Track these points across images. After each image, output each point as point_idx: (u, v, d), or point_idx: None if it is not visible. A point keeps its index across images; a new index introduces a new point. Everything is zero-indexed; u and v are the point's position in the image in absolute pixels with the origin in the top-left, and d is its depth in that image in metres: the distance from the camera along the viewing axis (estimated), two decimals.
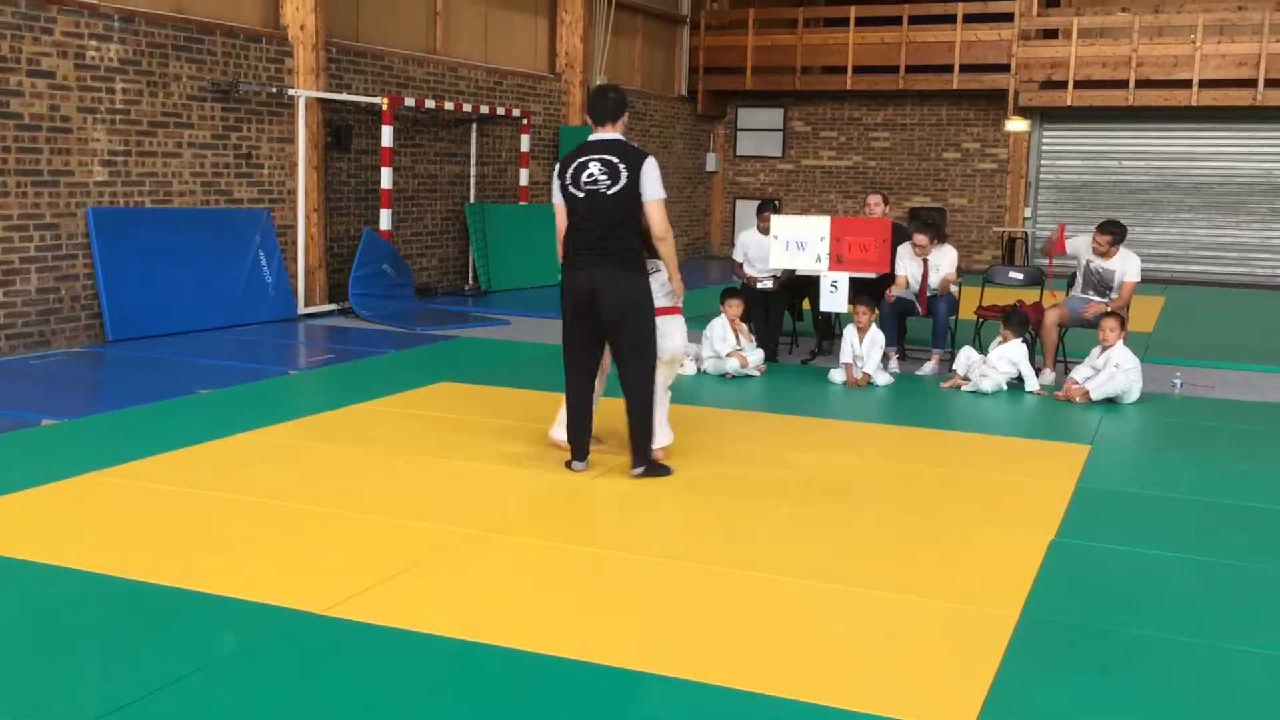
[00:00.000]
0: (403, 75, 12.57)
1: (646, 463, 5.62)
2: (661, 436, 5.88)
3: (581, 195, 5.49)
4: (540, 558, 4.53)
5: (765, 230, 9.35)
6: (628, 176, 5.45)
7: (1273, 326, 12.56)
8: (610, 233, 5.46)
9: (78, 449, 5.94)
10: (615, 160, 5.48)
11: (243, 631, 3.74)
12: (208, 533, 4.71)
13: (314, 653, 3.62)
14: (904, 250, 9.08)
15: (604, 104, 5.63)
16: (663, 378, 5.85)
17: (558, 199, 5.63)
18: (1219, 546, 4.85)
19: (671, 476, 5.65)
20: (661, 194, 5.52)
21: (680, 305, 5.94)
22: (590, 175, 5.48)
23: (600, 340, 5.64)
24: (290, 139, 11.00)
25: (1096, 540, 4.88)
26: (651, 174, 5.49)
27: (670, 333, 5.84)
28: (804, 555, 4.60)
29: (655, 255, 5.73)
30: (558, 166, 5.65)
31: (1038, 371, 8.54)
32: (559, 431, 6.06)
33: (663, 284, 5.84)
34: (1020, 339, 8.19)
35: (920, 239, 8.94)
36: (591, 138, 5.66)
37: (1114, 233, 8.53)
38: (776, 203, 11.29)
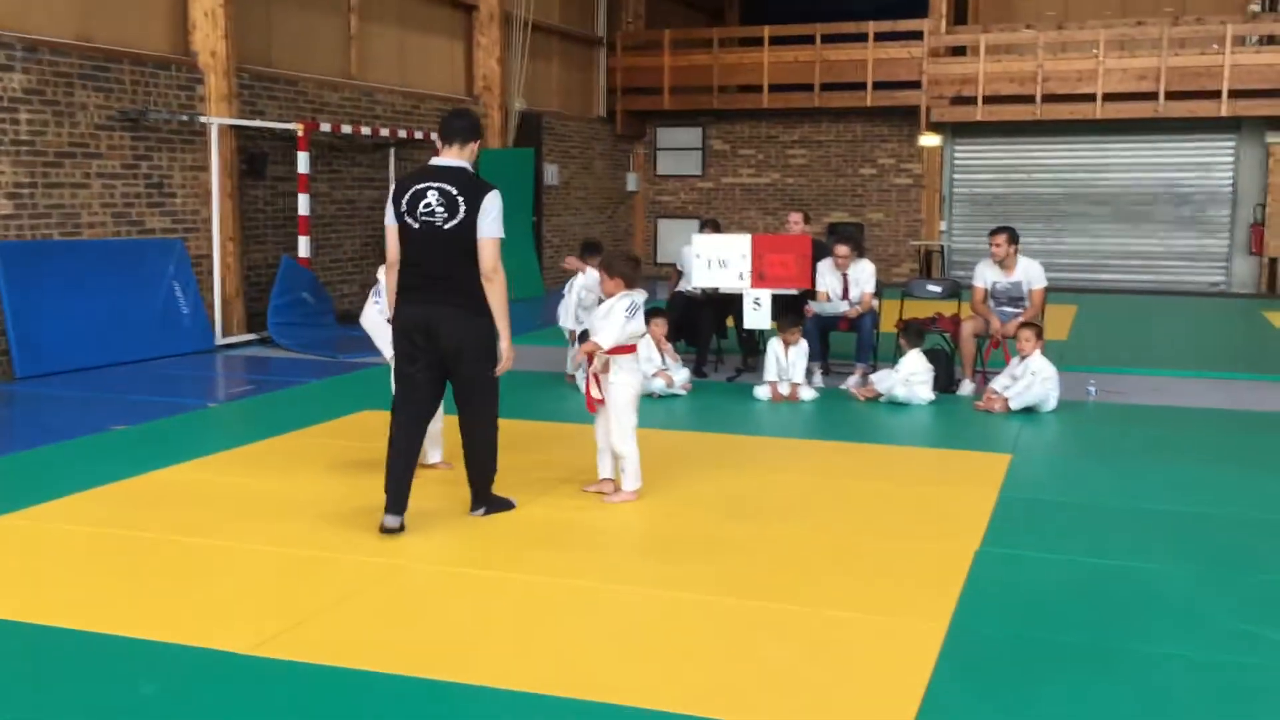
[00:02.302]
0: (318, 100, 12.43)
1: (486, 501, 5.34)
2: (630, 480, 5.63)
3: (416, 226, 5.05)
4: (473, 587, 4.47)
5: None
6: (466, 210, 5.01)
7: (1177, 332, 12.93)
8: (448, 271, 5.04)
9: None
10: (454, 192, 5.03)
11: (163, 675, 3.63)
12: (124, 574, 4.58)
13: (238, 694, 3.53)
14: (824, 265, 9.21)
15: (457, 122, 5.20)
16: (630, 421, 5.61)
17: (390, 222, 5.17)
18: (1139, 551, 4.95)
19: (602, 499, 5.62)
20: (498, 233, 5.06)
21: (506, 362, 5.24)
22: (427, 205, 5.03)
23: (439, 380, 5.20)
24: (203, 167, 10.80)
25: (1021, 549, 4.96)
26: (492, 209, 5.04)
27: (628, 370, 5.63)
28: (733, 575, 4.61)
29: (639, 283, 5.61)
30: (394, 187, 5.20)
31: (958, 382, 8.72)
32: (435, 456, 6.10)
33: (622, 312, 5.57)
34: (916, 348, 8.33)
35: (841, 250, 9.09)
36: (434, 161, 5.21)
37: (1007, 231, 8.73)
38: (718, 222, 11.43)
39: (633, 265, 5.75)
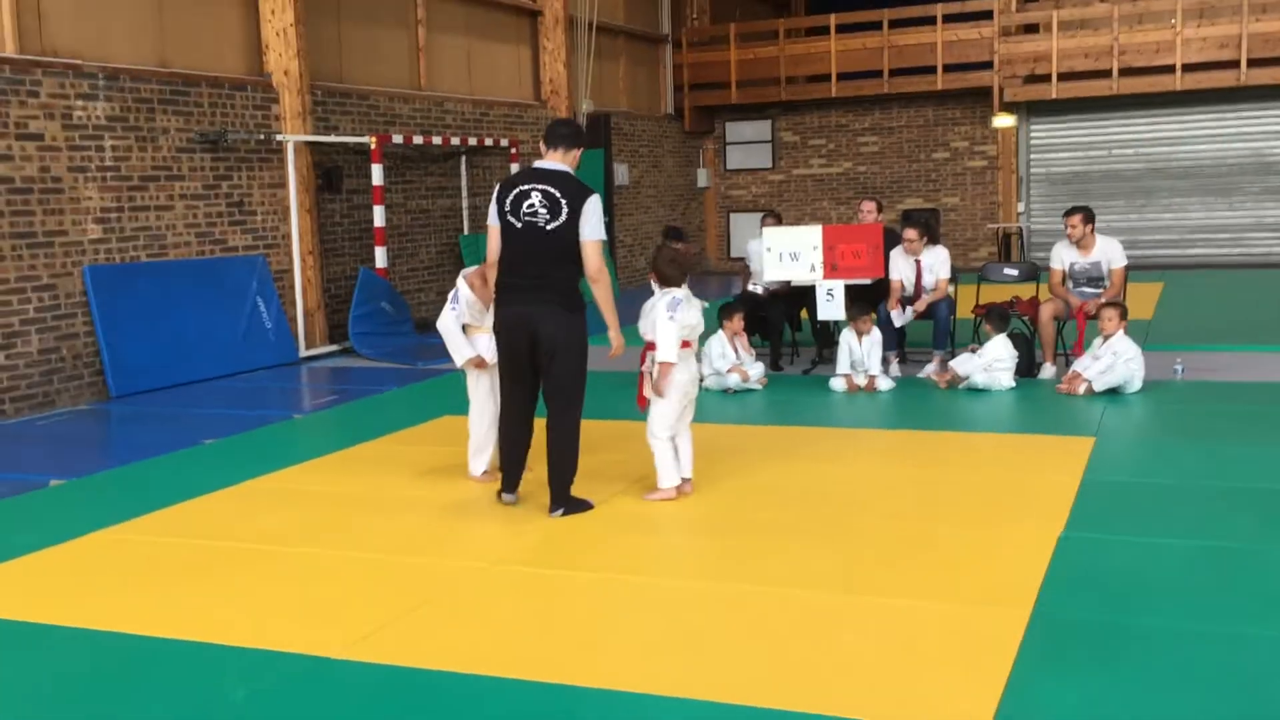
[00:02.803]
0: (389, 113, 12.64)
1: (565, 503, 5.37)
2: (663, 479, 5.55)
3: (519, 226, 5.25)
4: (551, 587, 4.53)
5: None
6: (569, 213, 5.20)
7: (1270, 305, 12.55)
8: (547, 270, 5.23)
9: (86, 507, 5.96)
10: (557, 194, 5.22)
11: (256, 679, 3.74)
12: (218, 583, 4.72)
13: (328, 696, 3.63)
14: (897, 254, 9.11)
15: (563, 128, 5.44)
16: (674, 416, 5.54)
17: (494, 221, 5.37)
18: (1228, 531, 4.84)
19: (678, 497, 5.64)
20: (601, 235, 5.26)
21: (617, 349, 5.52)
22: (530, 206, 5.22)
23: (537, 376, 5.38)
24: (281, 184, 11.06)
25: (1105, 532, 4.88)
26: (593, 213, 5.23)
27: (678, 368, 5.52)
28: (814, 567, 4.61)
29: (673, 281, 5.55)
30: (498, 188, 5.40)
31: (1038, 366, 8.58)
32: (477, 466, 6.04)
33: (665, 312, 5.49)
34: (1001, 333, 8.20)
35: (910, 234, 8.98)
36: (537, 164, 5.40)
37: (1083, 211, 8.54)
38: (778, 212, 11.46)
39: (675, 266, 5.58)
